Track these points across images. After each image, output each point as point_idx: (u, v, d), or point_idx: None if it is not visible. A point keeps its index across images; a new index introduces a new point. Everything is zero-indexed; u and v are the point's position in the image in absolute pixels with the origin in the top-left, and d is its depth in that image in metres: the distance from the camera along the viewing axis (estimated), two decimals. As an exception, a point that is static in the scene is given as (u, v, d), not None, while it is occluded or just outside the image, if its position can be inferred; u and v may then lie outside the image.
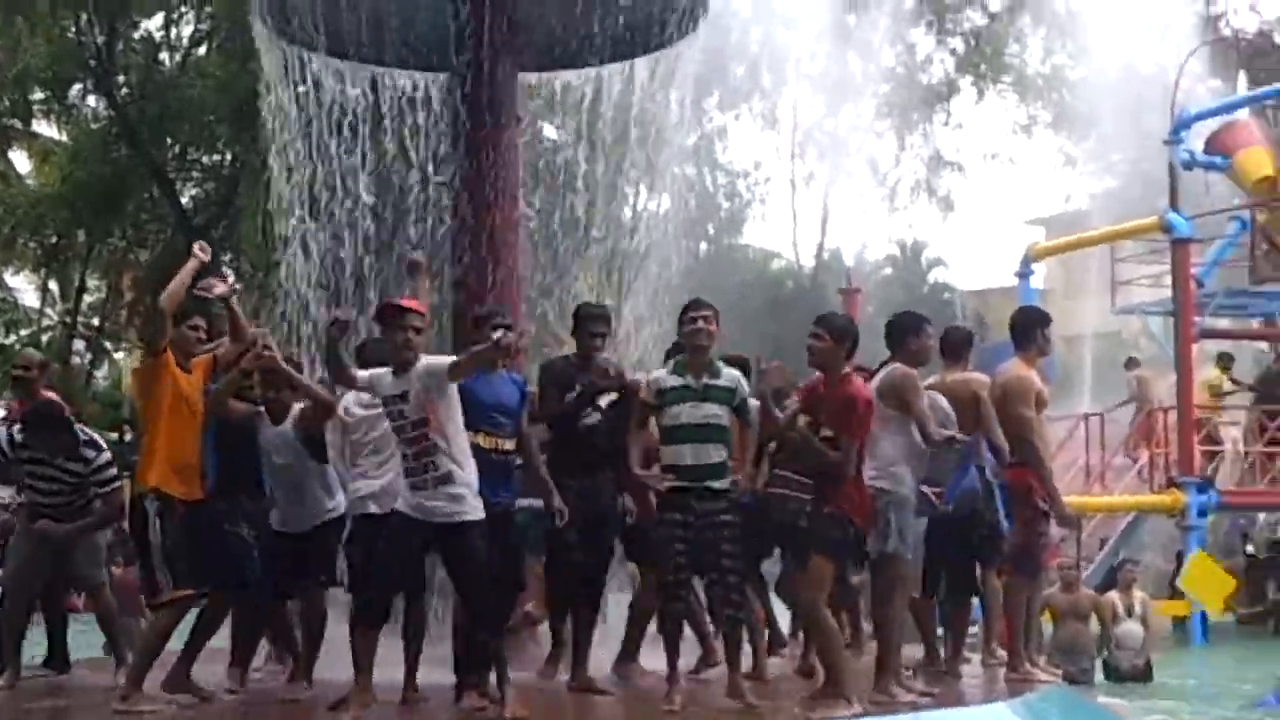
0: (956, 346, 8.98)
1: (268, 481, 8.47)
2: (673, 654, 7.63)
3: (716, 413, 7.64)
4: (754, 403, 7.87)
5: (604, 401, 8.49)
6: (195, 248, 8.23)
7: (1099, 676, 15.12)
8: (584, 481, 8.35)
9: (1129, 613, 15.67)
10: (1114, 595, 15.97)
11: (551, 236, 14.28)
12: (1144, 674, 15.30)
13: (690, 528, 7.53)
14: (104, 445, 9.16)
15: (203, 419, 8.07)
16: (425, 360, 7.42)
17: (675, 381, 7.70)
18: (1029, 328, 8.94)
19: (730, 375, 7.77)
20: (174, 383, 7.86)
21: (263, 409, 8.39)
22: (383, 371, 7.46)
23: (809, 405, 7.66)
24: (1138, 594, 16.00)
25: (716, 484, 7.58)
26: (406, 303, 7.59)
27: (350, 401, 8.08)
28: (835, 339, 7.56)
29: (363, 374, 7.51)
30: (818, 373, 7.72)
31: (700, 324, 7.74)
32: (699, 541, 7.53)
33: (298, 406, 8.35)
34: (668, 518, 7.62)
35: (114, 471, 9.17)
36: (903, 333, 8.21)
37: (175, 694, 7.90)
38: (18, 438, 8.92)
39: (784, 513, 8.24)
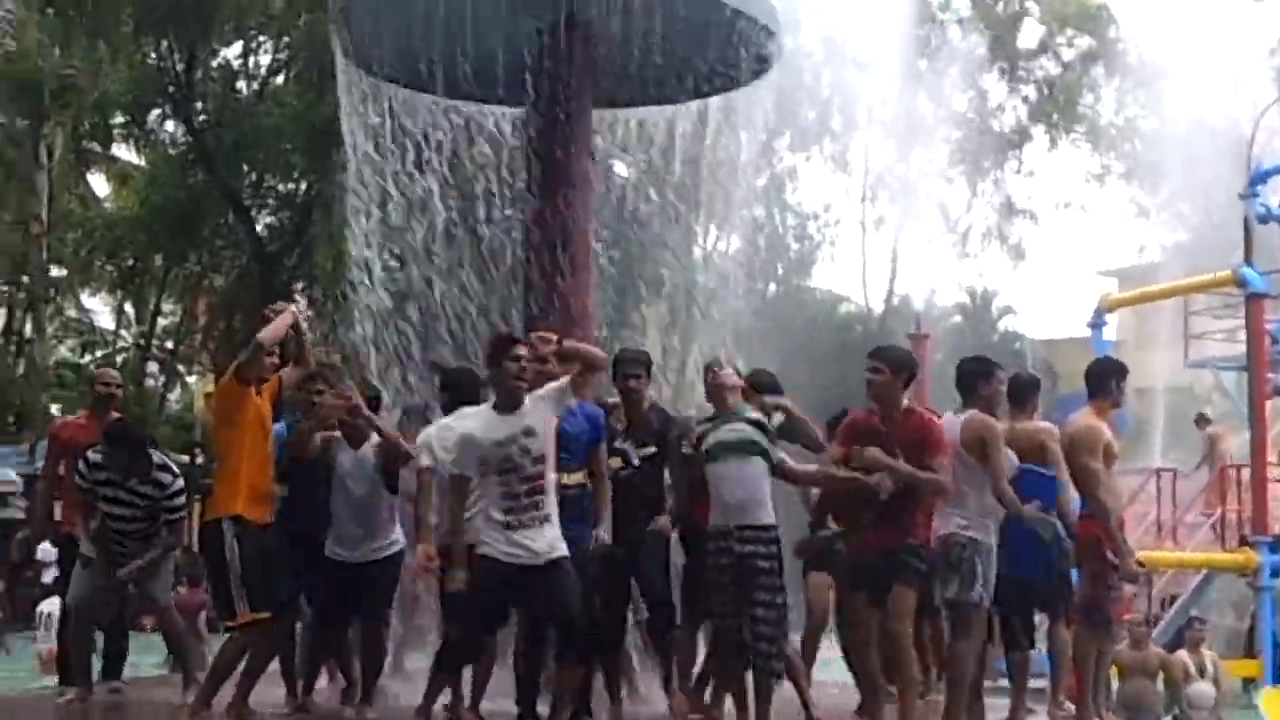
0: (1023, 392, 8.89)
1: (335, 510, 8.49)
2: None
3: (747, 430, 7.63)
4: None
5: (637, 456, 8.44)
6: (294, 307, 8.30)
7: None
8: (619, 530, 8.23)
9: (1200, 672, 15.42)
10: (1183, 654, 15.75)
11: (621, 274, 14.30)
12: (1216, 737, 15.07)
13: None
14: (178, 471, 9.21)
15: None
16: (535, 395, 7.39)
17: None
18: (1105, 377, 8.84)
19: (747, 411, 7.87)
20: (255, 410, 7.91)
21: (340, 435, 8.43)
22: (476, 422, 7.38)
23: (858, 438, 7.59)
24: (1207, 653, 15.75)
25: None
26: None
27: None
28: (894, 371, 7.54)
29: (457, 433, 7.43)
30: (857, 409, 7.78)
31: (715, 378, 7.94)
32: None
33: (376, 439, 8.40)
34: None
35: (183, 500, 9.24)
36: (973, 378, 8.17)
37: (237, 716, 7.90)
38: (94, 458, 8.94)
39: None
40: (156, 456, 9.11)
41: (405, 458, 8.24)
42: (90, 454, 8.96)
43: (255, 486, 7.92)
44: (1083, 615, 8.79)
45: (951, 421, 8.00)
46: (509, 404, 7.30)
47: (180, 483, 9.18)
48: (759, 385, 8.50)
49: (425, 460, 7.83)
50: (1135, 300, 27.09)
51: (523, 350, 7.40)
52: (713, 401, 8.12)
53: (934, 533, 7.83)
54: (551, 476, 7.35)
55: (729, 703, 8.06)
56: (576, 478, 7.71)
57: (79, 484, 8.94)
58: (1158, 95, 35.91)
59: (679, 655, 8.51)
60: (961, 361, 8.41)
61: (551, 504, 7.28)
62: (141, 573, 9.12)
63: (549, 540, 7.25)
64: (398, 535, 8.60)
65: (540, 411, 7.29)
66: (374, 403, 8.78)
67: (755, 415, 7.78)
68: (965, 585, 7.73)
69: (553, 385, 7.36)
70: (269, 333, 7.94)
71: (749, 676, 7.79)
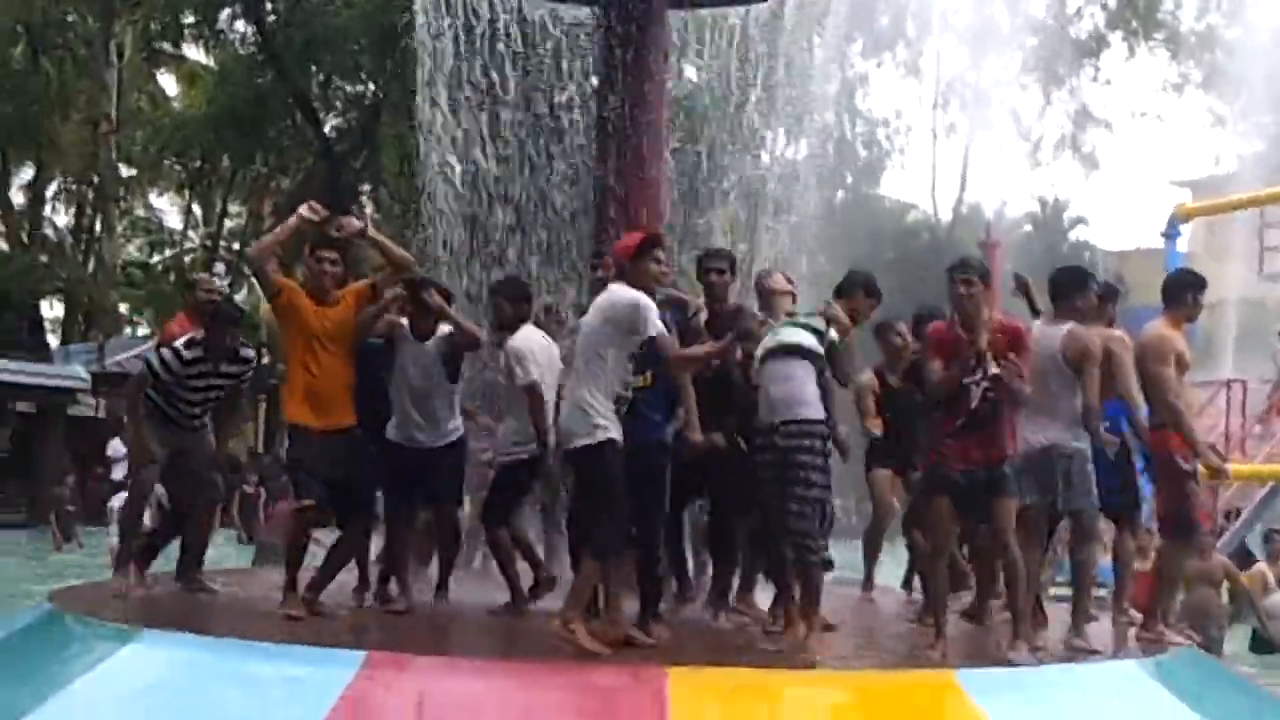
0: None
1: (394, 397, 8.58)
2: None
3: (797, 334, 7.64)
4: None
5: None
6: (303, 209, 8.22)
7: (1246, 648, 14.92)
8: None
9: None
10: (1263, 566, 15.72)
11: (690, 178, 14.23)
12: (1294, 647, 15.05)
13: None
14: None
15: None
16: None
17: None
18: (1181, 289, 8.71)
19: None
20: (298, 318, 8.02)
21: (405, 322, 8.51)
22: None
23: (945, 350, 7.58)
24: (1289, 565, 15.72)
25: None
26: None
27: None
28: (985, 282, 7.52)
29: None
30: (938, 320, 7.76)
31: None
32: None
33: (445, 329, 8.44)
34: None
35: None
36: (1068, 288, 8.05)
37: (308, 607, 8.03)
38: (186, 353, 8.94)
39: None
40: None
41: (475, 342, 8.42)
42: (179, 347, 8.95)
43: (307, 390, 8.04)
44: (1169, 528, 8.74)
45: (1047, 332, 7.94)
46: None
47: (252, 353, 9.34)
48: (852, 285, 8.45)
49: (534, 374, 8.09)
50: (1210, 210, 26.71)
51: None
52: (763, 307, 8.09)
53: (1025, 442, 7.84)
54: None
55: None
56: (638, 380, 7.56)
57: (161, 375, 8.99)
58: (1240, 3, 35.21)
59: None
60: (1056, 271, 8.29)
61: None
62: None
63: None
64: (458, 423, 8.71)
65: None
66: (448, 298, 8.80)
67: (811, 322, 7.74)
68: (1081, 493, 7.79)
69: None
70: (255, 248, 8.04)
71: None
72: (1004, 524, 7.46)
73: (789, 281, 8.42)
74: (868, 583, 10.36)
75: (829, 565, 7.91)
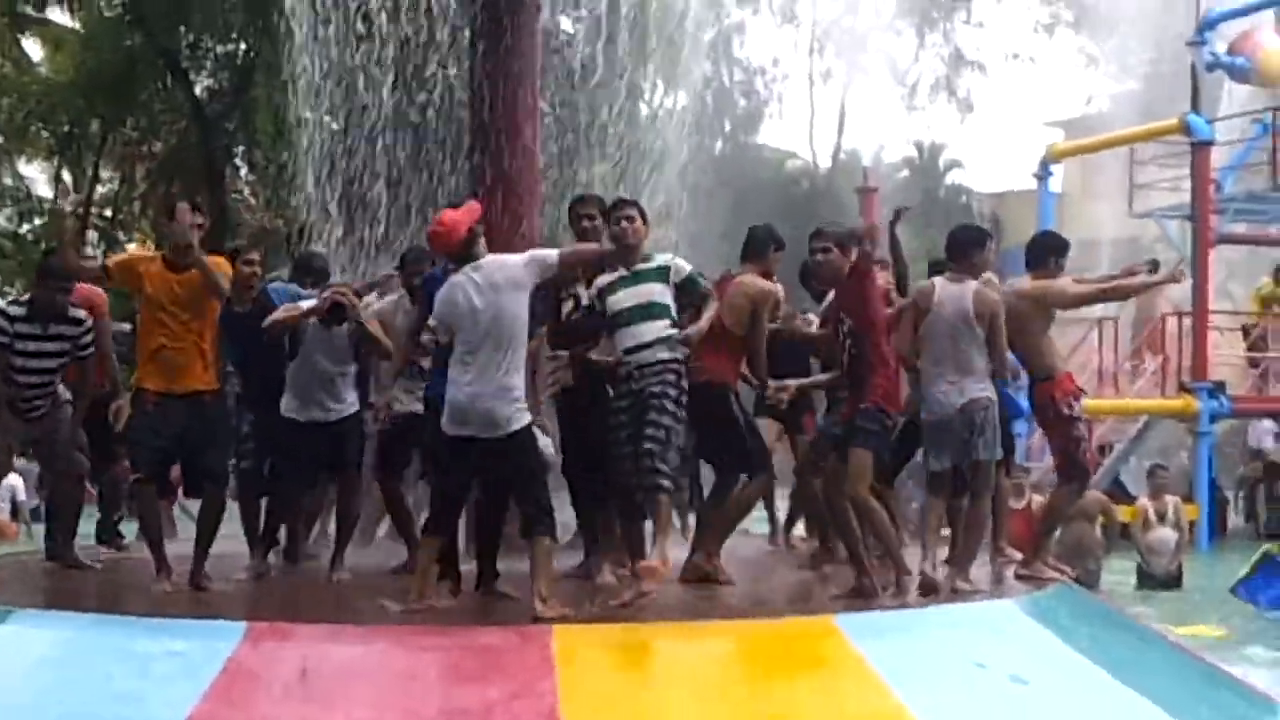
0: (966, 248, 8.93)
1: (295, 376, 8.51)
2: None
3: (654, 290, 7.67)
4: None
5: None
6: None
7: (1132, 582, 15.25)
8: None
9: (1161, 518, 15.73)
10: (1145, 501, 16.04)
11: (567, 132, 14.19)
12: (1176, 580, 15.39)
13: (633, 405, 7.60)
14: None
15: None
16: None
17: (610, 276, 7.80)
18: (1044, 252, 8.84)
19: (662, 257, 7.85)
20: (149, 285, 7.97)
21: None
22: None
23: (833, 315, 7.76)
24: (1170, 499, 16.04)
25: (660, 354, 7.57)
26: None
27: None
28: (842, 248, 7.59)
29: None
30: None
31: (625, 224, 7.76)
32: (633, 413, 7.57)
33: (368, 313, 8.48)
34: (616, 404, 7.72)
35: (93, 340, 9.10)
36: (968, 246, 8.28)
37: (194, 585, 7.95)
38: (14, 312, 8.79)
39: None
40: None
41: (385, 354, 8.48)
42: (3, 306, 8.81)
43: (156, 357, 7.96)
44: (1061, 471, 8.97)
45: (950, 290, 8.09)
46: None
47: (91, 320, 9.03)
48: (761, 244, 8.64)
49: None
50: (1081, 150, 27.13)
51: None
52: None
53: (938, 403, 7.99)
54: None
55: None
56: None
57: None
58: (1108, -58, 35.69)
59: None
60: (956, 229, 8.53)
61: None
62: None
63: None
64: (353, 398, 8.68)
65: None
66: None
67: (660, 263, 7.80)
68: (989, 446, 8.00)
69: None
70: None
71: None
72: (855, 474, 7.53)
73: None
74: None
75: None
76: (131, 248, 41.82)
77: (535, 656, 6.30)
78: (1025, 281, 8.90)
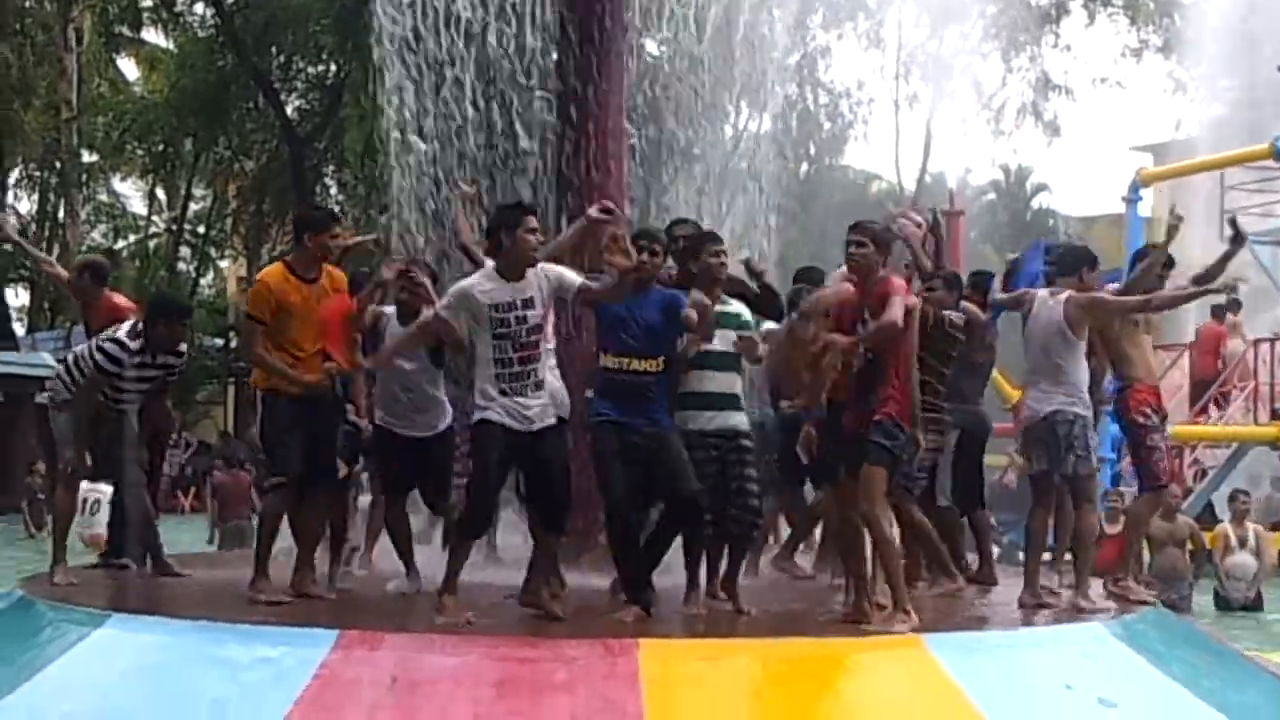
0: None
1: (382, 384, 8.61)
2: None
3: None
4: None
5: None
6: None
7: (1210, 608, 15.09)
8: None
9: (1241, 544, 15.59)
10: (1226, 526, 15.88)
11: (652, 153, 14.23)
12: (1255, 605, 15.22)
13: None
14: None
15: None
16: (546, 267, 7.41)
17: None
18: (1077, 263, 8.77)
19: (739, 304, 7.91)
20: (277, 301, 7.91)
21: (390, 311, 8.54)
22: (479, 279, 7.41)
23: (839, 315, 7.61)
24: (1251, 525, 15.89)
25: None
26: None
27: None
28: (877, 245, 7.54)
29: (467, 282, 7.50)
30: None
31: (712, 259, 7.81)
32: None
33: (429, 312, 8.46)
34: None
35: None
36: (1079, 263, 8.46)
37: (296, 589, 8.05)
38: (132, 345, 8.92)
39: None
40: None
41: (457, 345, 8.18)
42: (123, 339, 8.86)
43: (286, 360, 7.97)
44: (1139, 482, 9.11)
45: (1048, 302, 8.25)
46: (514, 273, 7.34)
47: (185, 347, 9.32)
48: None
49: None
50: (1171, 174, 26.82)
51: (535, 223, 7.41)
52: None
53: (1029, 410, 8.14)
54: (548, 346, 7.55)
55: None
56: (642, 365, 7.48)
57: (107, 369, 8.84)
58: (1197, -33, 35.33)
59: None
60: (1069, 246, 8.94)
61: (546, 374, 7.45)
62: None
63: (542, 406, 7.38)
64: (446, 411, 8.74)
65: (547, 290, 7.34)
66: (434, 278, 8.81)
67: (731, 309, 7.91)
68: (1082, 460, 8.08)
69: (568, 276, 7.41)
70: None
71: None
72: (867, 491, 7.28)
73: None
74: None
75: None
76: (224, 264, 42.46)
77: (622, 670, 6.34)
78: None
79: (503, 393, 7.28)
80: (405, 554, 8.72)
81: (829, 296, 8.11)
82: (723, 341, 7.70)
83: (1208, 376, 21.52)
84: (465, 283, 7.50)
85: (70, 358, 9.18)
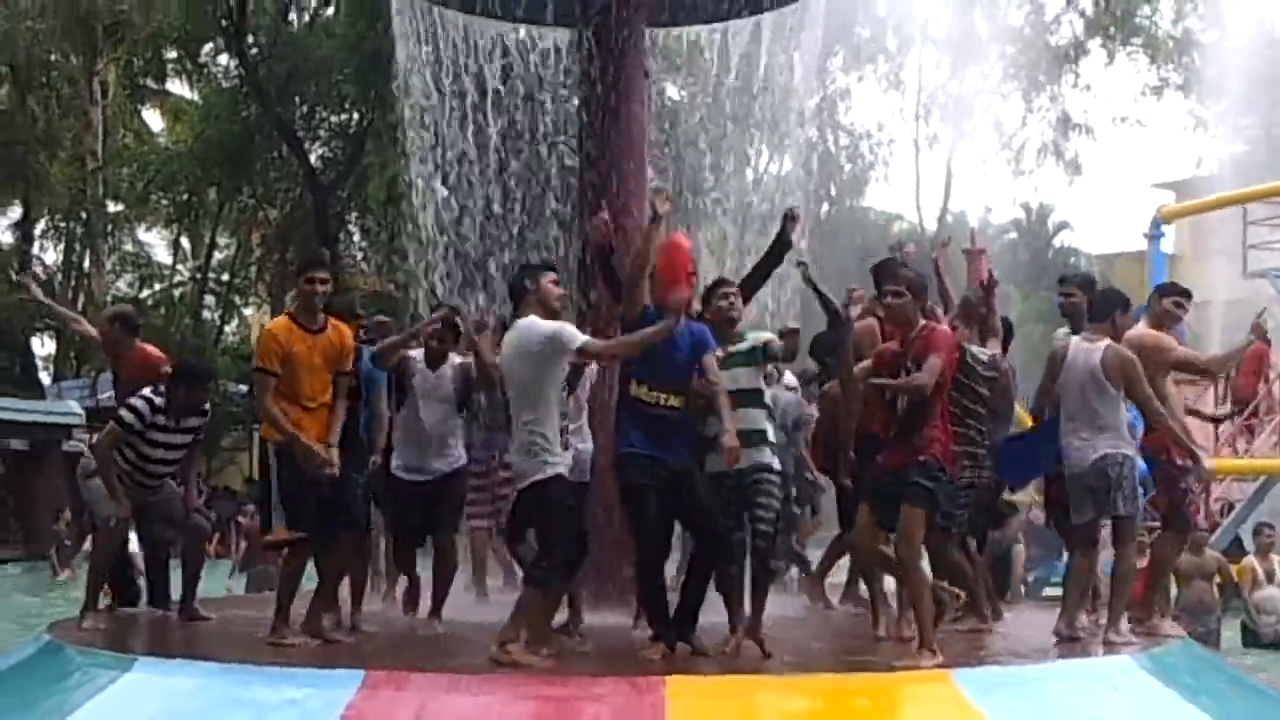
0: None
1: (403, 429, 8.65)
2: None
3: (739, 376, 7.69)
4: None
5: None
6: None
7: (1238, 642, 14.99)
8: None
9: (1270, 578, 15.51)
10: (1253, 560, 15.80)
11: (675, 196, 14.29)
12: (1282, 641, 15.14)
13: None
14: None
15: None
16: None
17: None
18: (1110, 307, 8.76)
19: (753, 335, 7.88)
20: (288, 352, 7.93)
21: (416, 355, 8.62)
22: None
23: (883, 363, 7.66)
24: (1277, 559, 15.79)
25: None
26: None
27: None
28: (913, 293, 7.58)
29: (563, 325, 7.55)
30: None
31: (723, 302, 7.86)
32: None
33: (456, 360, 8.54)
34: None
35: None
36: (1111, 306, 8.47)
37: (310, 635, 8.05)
38: (159, 402, 9.02)
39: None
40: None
41: (492, 382, 8.19)
42: (151, 396, 8.95)
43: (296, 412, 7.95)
44: (1166, 521, 9.05)
45: (1083, 348, 8.26)
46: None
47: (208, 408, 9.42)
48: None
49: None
50: (1192, 211, 26.81)
51: (554, 275, 7.57)
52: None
53: (1074, 459, 8.15)
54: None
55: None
56: (675, 400, 7.52)
57: (135, 426, 8.90)
58: (1215, 5, 35.36)
59: None
60: (1102, 290, 8.79)
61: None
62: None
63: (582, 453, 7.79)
64: (461, 452, 8.82)
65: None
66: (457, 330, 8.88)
67: (751, 344, 7.86)
68: (1128, 500, 8.10)
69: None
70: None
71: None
72: (906, 532, 7.33)
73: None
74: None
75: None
76: (248, 312, 42.64)
77: (648, 707, 6.34)
78: (1137, 331, 8.86)
79: (565, 445, 7.43)
80: (414, 595, 8.96)
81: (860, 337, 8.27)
82: (745, 379, 7.72)
83: (1249, 397, 21.33)
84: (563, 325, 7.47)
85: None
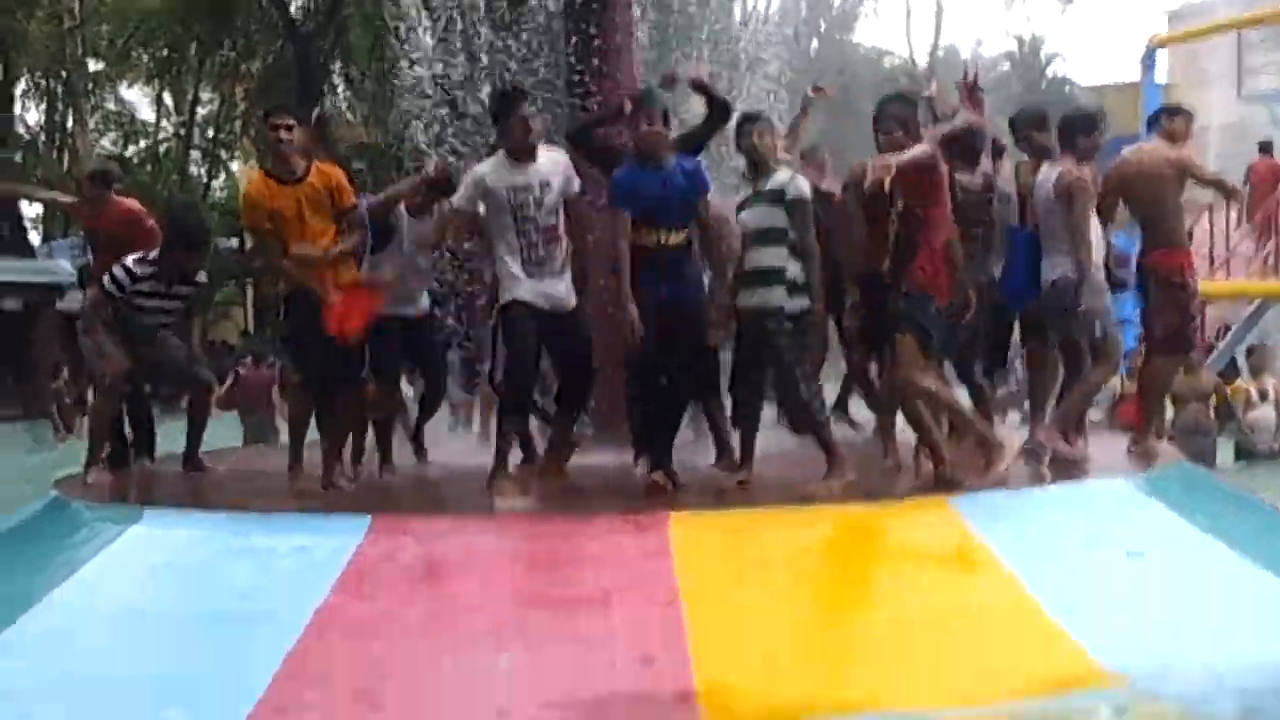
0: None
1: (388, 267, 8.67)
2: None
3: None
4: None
5: None
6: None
7: (1230, 459, 15.16)
8: None
9: (1263, 398, 15.70)
10: (1246, 380, 15.95)
11: (661, 33, 14.09)
12: (1276, 458, 15.29)
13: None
14: None
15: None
16: (550, 153, 7.52)
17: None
18: (1072, 133, 8.59)
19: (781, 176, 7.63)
20: (274, 205, 7.86)
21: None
22: (490, 166, 7.50)
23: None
24: (1270, 379, 15.94)
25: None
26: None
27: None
28: (906, 127, 7.49)
29: (474, 175, 7.57)
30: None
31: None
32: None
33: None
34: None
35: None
36: (1073, 131, 8.27)
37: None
38: (139, 271, 8.88)
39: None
40: None
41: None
42: (130, 266, 8.84)
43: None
44: (1165, 343, 8.84)
45: (1047, 173, 8.20)
46: (523, 157, 7.43)
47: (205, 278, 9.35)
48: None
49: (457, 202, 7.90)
50: (1186, 37, 26.51)
51: (528, 108, 7.48)
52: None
53: (1045, 278, 8.15)
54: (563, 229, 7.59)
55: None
56: (676, 238, 7.48)
57: (115, 295, 8.83)
58: None
59: None
60: (1066, 114, 8.51)
61: (563, 256, 7.53)
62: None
63: (566, 290, 7.54)
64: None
65: (556, 168, 7.48)
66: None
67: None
68: (1079, 327, 8.12)
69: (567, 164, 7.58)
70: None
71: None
72: (901, 359, 7.33)
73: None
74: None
75: None
76: (235, 166, 42.35)
77: (653, 543, 6.37)
78: (1163, 149, 8.76)
79: (529, 275, 7.39)
80: (386, 442, 8.95)
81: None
82: (768, 218, 7.54)
83: (1270, 213, 21.24)
84: (479, 170, 7.54)
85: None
